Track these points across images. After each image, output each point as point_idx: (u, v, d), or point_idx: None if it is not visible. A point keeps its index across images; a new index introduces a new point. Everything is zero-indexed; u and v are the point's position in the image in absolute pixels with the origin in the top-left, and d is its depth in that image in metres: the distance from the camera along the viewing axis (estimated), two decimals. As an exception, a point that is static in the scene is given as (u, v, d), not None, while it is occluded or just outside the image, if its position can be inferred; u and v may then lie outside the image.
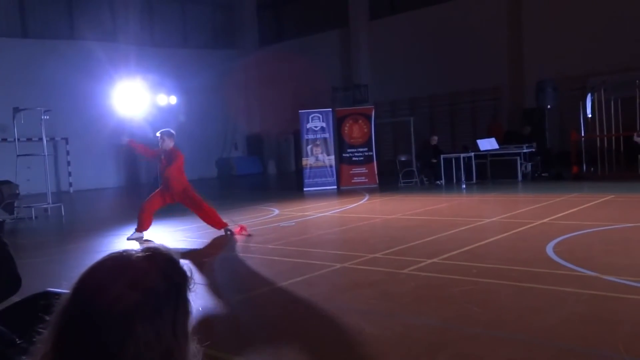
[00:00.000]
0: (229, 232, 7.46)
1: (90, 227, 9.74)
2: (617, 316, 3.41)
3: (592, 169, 12.75)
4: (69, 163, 20.08)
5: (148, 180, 20.45)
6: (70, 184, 19.97)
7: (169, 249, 0.93)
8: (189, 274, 0.93)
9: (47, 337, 0.84)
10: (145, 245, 0.93)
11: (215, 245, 6.97)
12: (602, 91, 12.76)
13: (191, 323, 0.91)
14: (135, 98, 14.00)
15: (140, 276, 0.86)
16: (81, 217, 12.74)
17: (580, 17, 16.09)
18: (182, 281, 0.91)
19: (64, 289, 0.89)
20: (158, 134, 7.50)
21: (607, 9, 15.60)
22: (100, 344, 0.80)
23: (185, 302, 0.90)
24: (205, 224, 7.68)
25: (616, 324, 3.26)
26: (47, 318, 0.86)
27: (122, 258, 0.89)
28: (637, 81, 12.63)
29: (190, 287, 0.93)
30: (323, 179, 14.63)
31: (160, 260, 0.90)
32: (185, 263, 0.93)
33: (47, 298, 1.13)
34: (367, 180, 14.61)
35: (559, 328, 3.28)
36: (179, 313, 0.88)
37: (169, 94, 15.29)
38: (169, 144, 7.44)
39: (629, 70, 14.52)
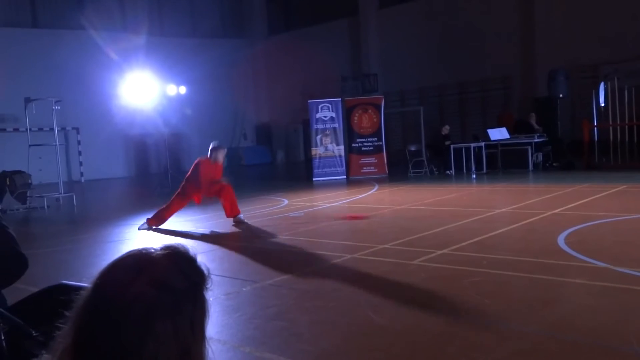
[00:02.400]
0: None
1: (102, 217, 9.83)
2: (628, 308, 3.39)
3: (604, 159, 12.62)
4: (80, 153, 20.24)
5: (158, 170, 20.58)
6: (82, 174, 20.13)
7: (188, 248, 0.94)
8: (206, 273, 0.94)
9: (67, 333, 0.85)
10: (165, 243, 0.94)
11: (223, 236, 7.01)
12: (615, 79, 12.58)
13: (208, 322, 0.92)
14: (145, 88, 14.05)
15: (160, 274, 0.86)
16: (93, 206, 12.86)
17: (592, 4, 15.83)
18: (200, 280, 0.92)
19: (81, 283, 0.90)
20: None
21: (621, -4, 15.34)
22: (121, 341, 0.81)
23: (203, 301, 0.91)
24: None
25: (628, 316, 3.25)
26: (67, 313, 0.87)
27: (142, 256, 0.90)
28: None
29: (208, 286, 0.94)
30: (332, 169, 14.62)
31: (179, 259, 0.91)
32: (202, 262, 0.94)
33: (64, 292, 1.14)
34: (376, 170, 14.58)
35: (569, 320, 3.27)
36: (197, 312, 0.89)
37: (178, 84, 15.30)
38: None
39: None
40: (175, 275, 0.87)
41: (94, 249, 6.63)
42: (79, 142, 20.23)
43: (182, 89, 15.29)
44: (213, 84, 22.40)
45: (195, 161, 7.78)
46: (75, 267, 5.77)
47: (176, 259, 0.91)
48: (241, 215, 7.66)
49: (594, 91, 12.84)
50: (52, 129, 12.52)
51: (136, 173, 22.00)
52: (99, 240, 7.28)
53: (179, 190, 7.81)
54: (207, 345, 0.92)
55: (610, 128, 12.61)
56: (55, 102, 12.16)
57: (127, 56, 19.01)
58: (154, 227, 7.62)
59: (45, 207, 11.53)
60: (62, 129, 18.54)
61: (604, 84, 12.74)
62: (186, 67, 20.04)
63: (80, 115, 19.42)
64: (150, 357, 0.81)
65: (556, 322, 3.25)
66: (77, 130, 20.10)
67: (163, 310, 0.83)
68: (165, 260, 0.89)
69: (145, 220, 7.68)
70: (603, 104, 12.62)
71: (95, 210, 11.95)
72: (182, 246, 0.95)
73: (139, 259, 0.89)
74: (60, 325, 0.87)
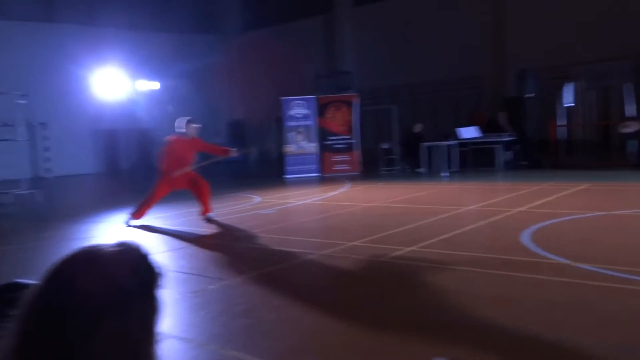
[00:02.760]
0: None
1: (68, 214, 9.61)
2: (589, 303, 3.49)
3: (569, 157, 12.95)
4: (47, 148, 19.73)
5: (128, 166, 20.25)
6: (49, 170, 19.64)
7: (141, 245, 0.93)
8: (159, 271, 0.93)
9: (14, 332, 0.83)
10: (117, 240, 0.93)
11: (192, 233, 6.94)
12: (582, 81, 12.91)
13: (158, 320, 0.91)
14: (115, 83, 13.81)
15: (110, 271, 0.85)
16: (59, 203, 12.57)
17: (561, 7, 16.20)
18: (152, 278, 0.91)
19: (33, 281, 0.88)
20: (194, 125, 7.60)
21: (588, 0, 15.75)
22: (68, 339, 0.80)
23: (154, 299, 0.90)
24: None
25: (588, 311, 3.34)
26: (12, 312, 0.85)
27: (92, 252, 0.89)
28: (616, 72, 12.81)
29: (160, 284, 0.93)
30: (305, 167, 14.62)
31: (131, 256, 0.90)
32: (156, 260, 0.93)
33: (15, 290, 1.11)
34: (349, 167, 14.64)
35: (531, 315, 3.35)
36: (147, 310, 0.88)
37: (149, 79, 15.09)
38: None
39: (608, 60, 14.72)
40: (125, 272, 0.86)
41: (59, 247, 6.49)
42: (46, 138, 19.72)
43: (155, 85, 15.09)
44: (185, 79, 22.11)
45: (181, 142, 7.62)
46: (37, 265, 5.63)
47: (127, 256, 0.89)
48: (212, 214, 7.61)
49: (560, 92, 13.16)
50: (16, 124, 12.18)
51: (105, 169, 21.59)
52: (64, 237, 7.12)
53: (156, 181, 7.70)
54: (157, 344, 0.91)
55: (576, 128, 12.94)
56: (21, 96, 11.83)
57: (96, 50, 18.62)
58: (136, 222, 7.52)
59: (9, 204, 11.21)
60: (29, 124, 18.06)
61: (570, 85, 13.07)
62: (158, 62, 19.74)
63: (47, 110, 18.93)
64: (98, 355, 0.80)
65: (518, 317, 3.32)
66: (45, 125, 19.59)
67: (112, 308, 0.82)
68: (116, 257, 0.88)
69: (130, 215, 7.56)
70: (569, 104, 12.94)
71: (61, 207, 11.68)
72: (135, 243, 0.94)
73: (89, 256, 0.88)
74: (8, 323, 0.85)
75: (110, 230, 7.48)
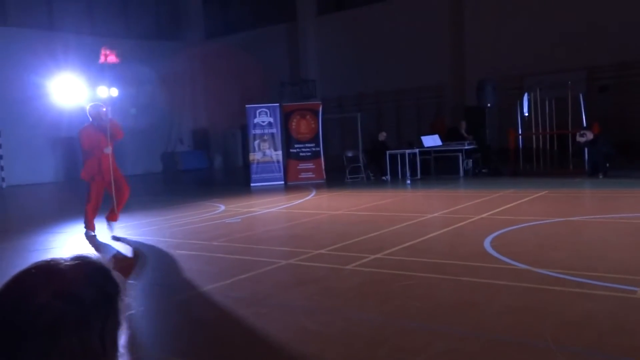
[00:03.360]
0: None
1: (24, 225, 9.27)
2: (546, 307, 3.60)
3: (528, 165, 13.35)
4: (0, 157, 19.03)
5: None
6: (3, 179, 18.93)
7: (100, 257, 0.91)
8: (120, 283, 0.91)
9: None
10: (75, 253, 0.91)
11: (156, 243, 6.81)
12: (538, 91, 13.37)
13: (122, 334, 0.89)
14: (74, 89, 13.44)
15: (67, 285, 0.83)
16: (13, 213, 12.12)
17: (518, 19, 16.77)
18: (112, 291, 0.89)
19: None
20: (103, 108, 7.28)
21: (545, 12, 16.34)
22: (23, 357, 0.78)
23: (115, 313, 0.88)
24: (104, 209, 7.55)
25: (545, 315, 3.45)
26: None
27: (48, 266, 0.86)
28: (569, 82, 13.31)
29: (122, 297, 0.91)
30: (270, 175, 14.57)
31: (89, 269, 0.88)
32: (116, 272, 0.91)
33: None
34: (314, 175, 14.68)
35: (492, 320, 3.43)
36: (108, 324, 0.86)
37: (110, 85, 14.74)
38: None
39: (563, 71, 15.31)
40: (83, 286, 0.84)
41: (15, 260, 6.25)
42: (0, 146, 19.02)
43: (114, 91, 14.75)
44: (148, 86, 21.77)
45: (83, 132, 7.42)
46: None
47: (86, 269, 0.87)
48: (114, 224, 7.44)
49: (518, 101, 13.58)
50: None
51: (64, 178, 20.94)
52: (20, 249, 6.87)
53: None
54: (121, 357, 0.89)
55: (534, 136, 13.36)
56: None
57: (54, 55, 18.10)
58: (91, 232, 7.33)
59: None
60: (-19, 131, 17.40)
61: (528, 95, 13.50)
62: (120, 69, 19.33)
63: (2, 117, 18.29)
64: None
65: (480, 322, 3.40)
66: (-2, 132, 18.91)
67: (69, 324, 0.80)
68: (73, 271, 0.86)
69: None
70: (527, 114, 13.36)
71: (17, 217, 11.27)
72: (94, 256, 0.91)
73: (45, 270, 0.85)
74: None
75: (70, 241, 7.26)
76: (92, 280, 0.86)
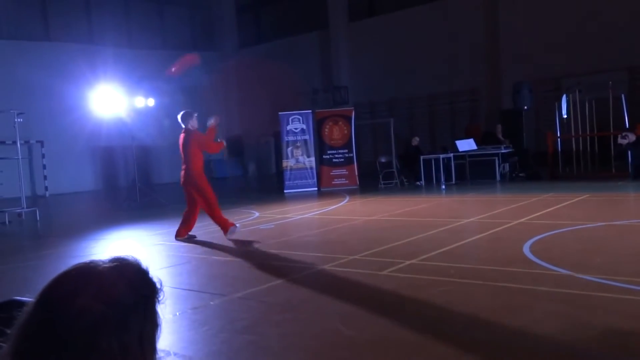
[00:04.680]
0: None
1: (67, 232, 9.57)
2: (590, 314, 3.47)
3: (567, 169, 12.98)
4: (44, 166, 19.73)
5: (126, 184, 20.22)
6: (46, 188, 19.62)
7: (138, 260, 0.92)
8: (158, 285, 0.92)
9: (8, 351, 0.82)
10: (114, 255, 0.92)
11: (192, 249, 6.91)
12: (577, 92, 13.00)
13: (159, 335, 0.90)
14: (112, 100, 13.86)
15: (106, 287, 0.84)
16: (57, 221, 12.53)
17: (554, 20, 16.38)
18: (150, 293, 0.89)
19: (30, 299, 0.87)
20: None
21: (581, 12, 15.92)
22: (63, 358, 0.79)
23: (153, 314, 0.89)
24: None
25: (590, 322, 3.32)
26: (8, 331, 0.84)
27: (88, 268, 0.87)
28: (610, 82, 12.90)
29: (160, 298, 0.91)
30: (303, 181, 14.62)
31: (128, 271, 0.89)
32: (154, 274, 0.92)
33: (13, 309, 1.10)
34: (347, 181, 14.65)
35: (533, 327, 3.33)
36: (146, 325, 0.86)
37: (147, 96, 15.12)
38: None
39: (602, 71, 14.84)
40: (122, 288, 0.85)
41: (58, 265, 6.44)
42: (43, 156, 19.73)
43: (151, 101, 15.11)
44: (183, 96, 22.20)
45: (181, 140, 7.45)
46: (37, 283, 5.56)
47: (124, 271, 0.88)
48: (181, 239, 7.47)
49: (556, 103, 13.23)
50: (14, 142, 12.18)
51: (104, 186, 21.55)
52: (64, 255, 7.08)
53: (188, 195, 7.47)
54: (157, 358, 0.90)
55: (573, 139, 12.99)
56: (18, 114, 11.84)
57: (94, 68, 18.71)
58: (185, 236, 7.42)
59: (7, 222, 11.17)
60: (26, 142, 18.08)
61: (566, 97, 13.14)
62: (156, 80, 19.83)
63: (45, 128, 18.98)
64: None
65: (520, 329, 3.30)
66: (42, 143, 19.62)
67: (109, 325, 0.81)
68: (112, 273, 0.87)
69: (228, 231, 7.30)
70: (565, 116, 13.01)
71: (59, 225, 11.64)
72: (132, 258, 0.92)
73: (84, 273, 0.87)
74: (5, 342, 0.84)
75: (111, 247, 7.44)
76: (131, 282, 0.87)
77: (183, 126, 7.52)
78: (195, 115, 7.60)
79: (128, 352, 0.82)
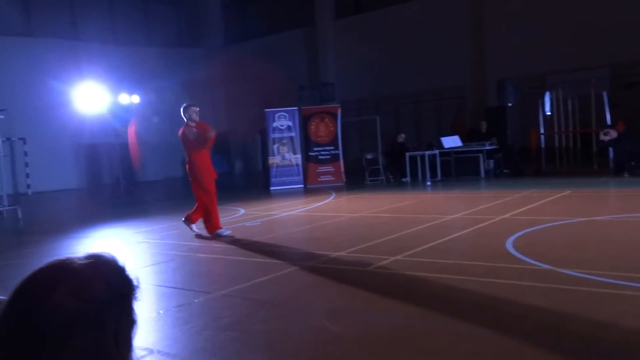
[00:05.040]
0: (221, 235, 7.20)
1: (49, 230, 9.45)
2: (571, 308, 3.52)
3: (550, 165, 13.13)
4: (27, 164, 19.44)
5: (111, 181, 20.04)
6: (29, 186, 19.33)
7: (115, 257, 0.91)
8: (135, 282, 0.91)
9: None
10: (89, 252, 0.91)
11: (177, 246, 6.88)
12: (560, 89, 13.15)
13: (135, 333, 0.89)
14: (96, 97, 13.71)
15: (81, 284, 0.83)
16: (39, 219, 12.36)
17: (539, 17, 16.52)
18: (127, 290, 0.89)
19: (5, 297, 0.86)
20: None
21: (565, 10, 16.08)
22: (37, 355, 0.78)
23: (129, 312, 0.88)
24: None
25: (571, 316, 3.37)
26: None
27: (63, 265, 0.87)
28: (593, 80, 13.06)
29: (136, 295, 0.91)
30: (290, 178, 14.61)
31: (104, 268, 0.88)
32: (131, 272, 0.91)
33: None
34: (333, 178, 14.67)
35: (515, 321, 3.37)
36: (122, 323, 0.86)
37: (132, 92, 14.98)
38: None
39: (585, 69, 15.02)
40: (98, 285, 0.84)
41: (39, 264, 6.33)
42: (25, 153, 19.44)
43: (135, 98, 14.98)
44: (169, 93, 22.03)
45: (180, 134, 7.40)
46: (17, 283, 5.52)
47: (100, 268, 0.87)
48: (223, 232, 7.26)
49: (540, 100, 13.37)
50: (-4, 140, 12.00)
51: (88, 184, 21.31)
52: (46, 254, 6.99)
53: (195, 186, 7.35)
54: (133, 358, 0.89)
55: (556, 136, 13.14)
56: (0, 111, 11.67)
57: (78, 64, 18.48)
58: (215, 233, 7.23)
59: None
60: (8, 139, 17.79)
61: (550, 94, 13.28)
62: (142, 76, 19.67)
63: (27, 125, 18.68)
64: None
65: (503, 323, 3.34)
66: (24, 140, 19.32)
67: (83, 322, 0.80)
68: (88, 269, 0.86)
69: (214, 232, 7.21)
70: (549, 113, 13.15)
71: (42, 223, 11.49)
72: (109, 255, 0.91)
73: (59, 269, 0.86)
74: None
75: (93, 245, 7.37)
76: (107, 279, 0.86)
77: (184, 119, 7.46)
78: (194, 107, 7.46)
79: (102, 349, 0.82)
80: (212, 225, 7.22)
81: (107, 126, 15.09)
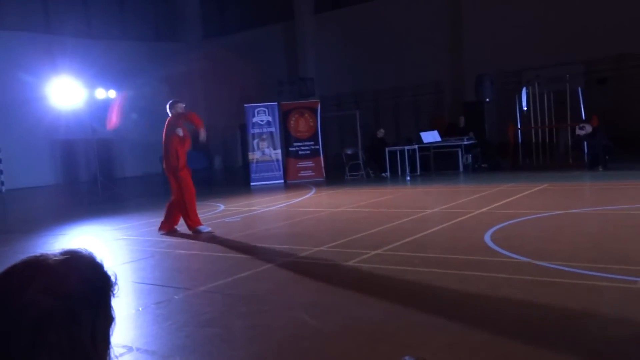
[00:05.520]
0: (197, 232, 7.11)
1: (23, 228, 9.26)
2: (548, 299, 3.59)
3: (527, 159, 13.33)
4: (0, 160, 19.00)
5: (88, 178, 19.71)
6: (2, 183, 18.91)
7: (92, 253, 0.89)
8: (113, 278, 0.90)
9: None
10: (65, 248, 0.89)
11: (156, 243, 6.80)
12: (536, 85, 13.34)
13: (113, 330, 0.88)
14: (72, 92, 13.44)
15: (55, 280, 0.81)
16: (13, 217, 12.11)
17: (515, 13, 16.73)
18: (104, 286, 0.87)
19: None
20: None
21: (541, 5, 16.31)
22: (10, 353, 0.76)
23: (107, 308, 0.87)
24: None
25: (546, 307, 3.44)
26: None
27: (37, 262, 0.85)
28: (567, 75, 13.28)
29: (114, 292, 0.89)
30: (270, 173, 14.56)
31: (80, 264, 0.86)
32: (109, 267, 0.89)
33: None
34: (313, 173, 14.66)
35: (493, 313, 3.42)
36: (99, 319, 0.84)
37: (108, 87, 14.73)
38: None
39: (561, 64, 15.26)
40: (73, 281, 0.83)
41: (13, 262, 6.23)
42: (-2, 150, 18.99)
43: (112, 93, 14.73)
44: (146, 88, 21.72)
45: (165, 126, 7.34)
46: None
47: (76, 264, 0.86)
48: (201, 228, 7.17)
49: (517, 95, 13.55)
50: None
51: (64, 181, 20.94)
52: (21, 252, 6.84)
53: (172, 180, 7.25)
54: (111, 355, 0.88)
55: (532, 130, 13.34)
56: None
57: (52, 58, 18.09)
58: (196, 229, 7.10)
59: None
60: (-21, 136, 17.38)
61: (526, 89, 13.47)
62: (118, 71, 19.35)
63: None
64: None
65: (482, 315, 3.39)
66: (-4, 136, 18.87)
67: (58, 319, 0.79)
68: (63, 266, 0.84)
69: (194, 228, 7.09)
70: (525, 108, 13.33)
71: (16, 220, 11.25)
72: (85, 251, 0.90)
73: (33, 266, 0.84)
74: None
75: (70, 243, 7.25)
76: (82, 275, 0.84)
77: (170, 115, 7.38)
78: (180, 104, 7.48)
79: (79, 346, 0.80)
80: (192, 221, 7.16)
81: (83, 122, 14.83)
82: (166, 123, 7.44)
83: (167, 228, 7.31)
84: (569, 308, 3.39)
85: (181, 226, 7.44)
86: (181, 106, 7.46)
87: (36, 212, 12.34)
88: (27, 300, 0.78)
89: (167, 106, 7.49)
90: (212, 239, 6.76)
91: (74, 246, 0.90)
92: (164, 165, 7.43)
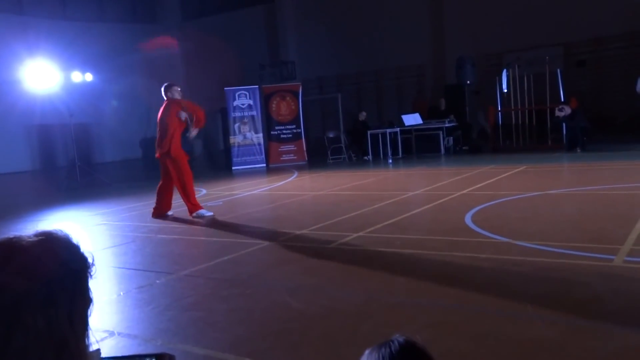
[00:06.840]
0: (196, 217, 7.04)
1: (0, 214, 9.09)
2: (526, 278, 3.65)
3: (507, 141, 13.47)
4: (-27, 145, 18.54)
5: (66, 163, 19.37)
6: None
7: (68, 234, 0.87)
8: (90, 259, 0.88)
9: None
10: (40, 229, 0.87)
11: (137, 228, 6.74)
12: (516, 67, 13.42)
13: (91, 311, 0.86)
14: (47, 75, 13.11)
15: (30, 262, 0.80)
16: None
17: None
18: (80, 267, 0.85)
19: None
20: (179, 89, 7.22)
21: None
22: None
23: (84, 290, 0.85)
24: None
25: (526, 286, 3.50)
26: None
27: (10, 243, 0.82)
28: (547, 57, 13.38)
29: (92, 273, 0.88)
30: (252, 157, 14.48)
31: (55, 246, 0.84)
32: (86, 248, 0.87)
33: None
34: (295, 157, 14.63)
35: (475, 292, 3.47)
36: (76, 301, 0.83)
37: (84, 70, 14.41)
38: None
39: (540, 47, 15.37)
40: (48, 263, 0.81)
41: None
42: (-29, 135, 18.53)
43: (88, 76, 14.42)
44: (124, 71, 21.32)
45: (161, 110, 7.20)
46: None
47: (51, 245, 0.84)
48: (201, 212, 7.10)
49: (497, 78, 13.63)
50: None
51: (41, 166, 20.54)
52: (-2, 239, 6.73)
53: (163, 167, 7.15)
54: (90, 337, 0.87)
55: (512, 113, 13.46)
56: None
57: (25, 40, 17.60)
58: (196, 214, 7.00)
59: None
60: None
61: (506, 71, 13.55)
62: (94, 53, 18.93)
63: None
64: (18, 352, 0.75)
65: (463, 295, 3.43)
66: (-31, 121, 18.40)
67: (33, 301, 0.77)
68: (37, 247, 0.82)
69: (195, 213, 6.98)
70: (505, 90, 13.43)
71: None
72: (61, 232, 0.88)
73: (6, 248, 0.82)
74: None
75: (49, 229, 7.13)
76: (58, 257, 0.83)
77: (165, 98, 7.22)
78: (176, 87, 7.33)
79: (56, 329, 0.79)
80: (194, 205, 7.08)
81: (59, 106, 14.52)
82: (162, 107, 7.26)
83: (159, 214, 7.24)
84: (547, 286, 3.45)
85: (174, 209, 7.37)
86: (177, 89, 7.31)
87: (12, 199, 12.10)
88: (1, 282, 0.76)
89: (162, 89, 7.31)
90: (194, 223, 6.71)
91: (50, 228, 0.88)
92: (158, 150, 7.22)
